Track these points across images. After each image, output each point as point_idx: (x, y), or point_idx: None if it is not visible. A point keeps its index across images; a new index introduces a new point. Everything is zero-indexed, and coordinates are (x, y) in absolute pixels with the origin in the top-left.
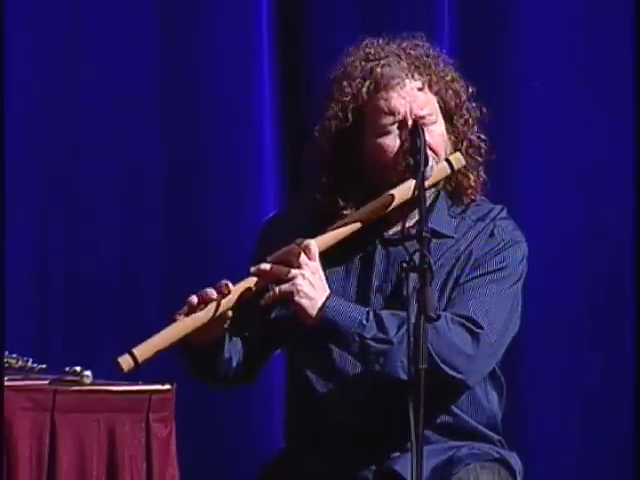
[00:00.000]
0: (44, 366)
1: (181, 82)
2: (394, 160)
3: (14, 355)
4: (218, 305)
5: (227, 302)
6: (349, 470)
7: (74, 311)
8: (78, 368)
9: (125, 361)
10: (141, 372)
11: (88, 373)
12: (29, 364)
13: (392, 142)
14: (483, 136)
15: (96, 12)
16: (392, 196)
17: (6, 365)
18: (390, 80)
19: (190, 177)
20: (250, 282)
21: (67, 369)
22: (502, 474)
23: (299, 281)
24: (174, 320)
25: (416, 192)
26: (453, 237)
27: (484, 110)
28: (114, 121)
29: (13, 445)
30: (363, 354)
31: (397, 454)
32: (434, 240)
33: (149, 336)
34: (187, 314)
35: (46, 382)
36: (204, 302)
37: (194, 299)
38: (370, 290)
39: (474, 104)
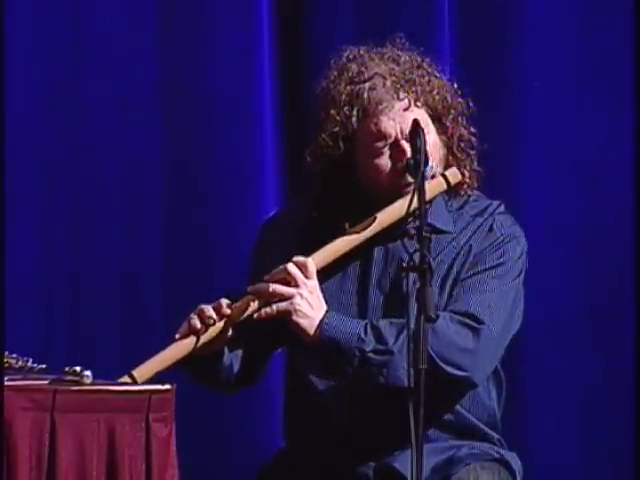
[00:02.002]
0: (44, 366)
1: (181, 82)
2: (388, 179)
3: (14, 355)
4: (217, 327)
5: (226, 324)
6: (349, 468)
7: (75, 311)
8: (78, 368)
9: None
10: None
11: (88, 373)
12: (29, 364)
13: (385, 162)
14: (472, 129)
15: (97, 12)
16: (390, 213)
17: (6, 365)
18: (378, 105)
19: (191, 177)
20: (248, 301)
21: (67, 369)
22: (502, 474)
23: (297, 300)
24: (174, 340)
25: (413, 208)
26: (451, 232)
27: (471, 104)
28: (115, 121)
29: (13, 445)
30: (365, 368)
31: (397, 451)
32: (433, 236)
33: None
34: (187, 335)
35: (46, 382)
36: (203, 324)
37: (196, 323)
38: (369, 285)
39: (460, 99)
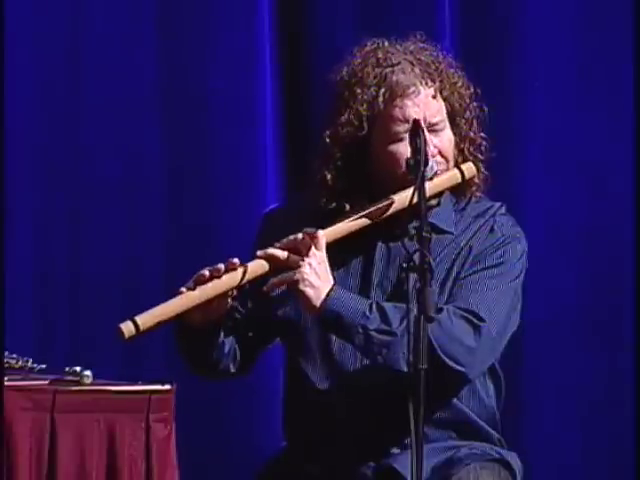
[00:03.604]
0: (44, 366)
1: (182, 82)
2: (403, 171)
3: (14, 355)
4: (224, 281)
5: (233, 279)
6: (348, 468)
7: (75, 311)
8: (78, 368)
9: (127, 327)
10: (141, 372)
11: (88, 373)
12: (29, 364)
13: (404, 149)
14: (483, 134)
15: (97, 12)
16: (402, 198)
17: (6, 365)
18: (406, 88)
19: (191, 177)
20: (257, 264)
21: (67, 369)
22: (502, 474)
23: (305, 270)
24: (179, 292)
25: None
26: (452, 233)
27: (484, 108)
28: (115, 121)
29: (13, 445)
30: (366, 345)
31: (397, 451)
32: (434, 235)
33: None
34: (193, 287)
35: (46, 382)
36: (212, 277)
37: (204, 273)
38: (370, 286)
39: (475, 103)
